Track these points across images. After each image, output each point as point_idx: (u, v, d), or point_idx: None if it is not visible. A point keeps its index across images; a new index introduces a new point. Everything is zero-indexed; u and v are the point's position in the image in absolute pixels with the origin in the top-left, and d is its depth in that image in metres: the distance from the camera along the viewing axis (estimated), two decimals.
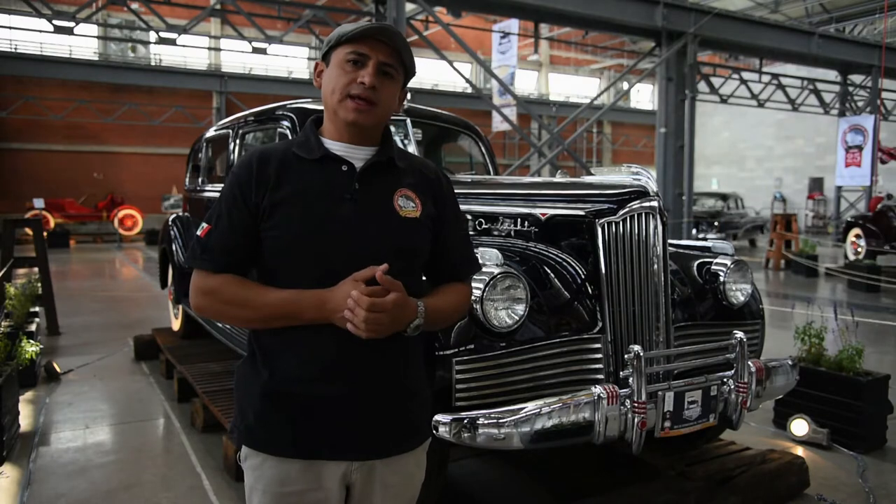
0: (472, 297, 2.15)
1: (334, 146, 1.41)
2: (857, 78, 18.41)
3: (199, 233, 1.39)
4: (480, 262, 2.25)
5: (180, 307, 5.25)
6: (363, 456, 1.40)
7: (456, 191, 1.57)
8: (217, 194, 4.01)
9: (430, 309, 1.37)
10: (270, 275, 1.38)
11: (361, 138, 1.42)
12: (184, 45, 13.87)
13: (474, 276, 2.19)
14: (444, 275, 1.52)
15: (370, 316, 1.25)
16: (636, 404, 2.19)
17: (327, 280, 1.32)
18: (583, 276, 2.49)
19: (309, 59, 24.43)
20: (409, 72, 1.44)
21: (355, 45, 1.36)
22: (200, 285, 1.37)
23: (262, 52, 13.13)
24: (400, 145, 3.89)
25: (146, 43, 20.27)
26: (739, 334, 2.48)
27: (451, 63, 12.04)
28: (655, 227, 2.48)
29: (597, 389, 2.18)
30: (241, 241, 1.36)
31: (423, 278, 1.52)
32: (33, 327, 5.09)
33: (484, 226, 3.02)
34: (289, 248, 1.35)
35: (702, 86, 15.88)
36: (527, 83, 29.61)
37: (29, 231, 9.87)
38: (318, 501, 1.39)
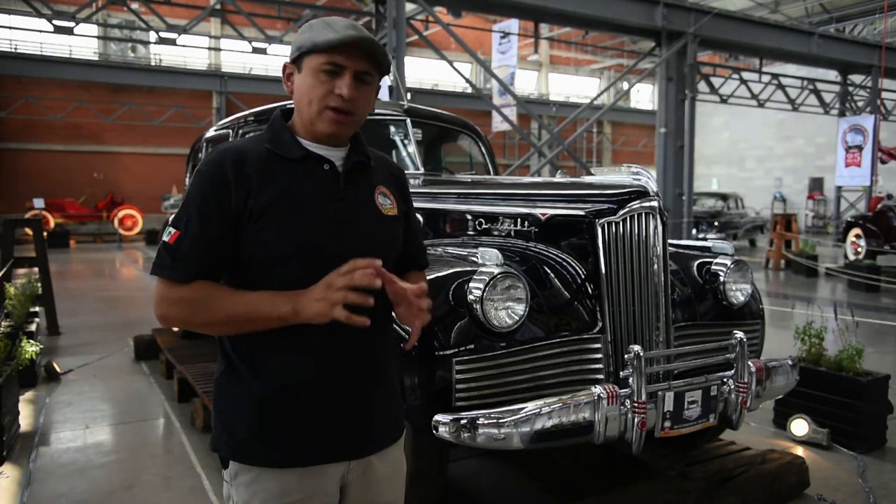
0: (472, 298, 2.19)
1: (310, 145, 1.38)
2: (857, 78, 18.40)
3: (166, 239, 1.29)
4: (480, 261, 2.26)
5: None
6: (362, 453, 1.40)
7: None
8: None
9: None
10: (255, 279, 1.31)
11: (335, 140, 1.40)
12: (184, 45, 13.86)
13: (475, 276, 2.21)
14: (407, 265, 1.55)
15: (429, 302, 1.32)
16: (636, 404, 2.19)
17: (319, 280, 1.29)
18: (583, 276, 2.49)
19: None
20: (384, 73, 1.42)
21: (330, 55, 1.31)
22: (169, 295, 1.28)
23: (262, 52, 13.12)
24: (400, 145, 3.90)
25: (146, 43, 20.26)
26: (739, 334, 2.48)
27: (451, 63, 12.04)
28: (655, 227, 2.48)
29: (597, 389, 2.18)
30: (216, 247, 1.28)
31: None
32: (33, 327, 5.09)
33: (484, 226, 3.01)
34: (283, 252, 1.30)
35: (702, 86, 15.86)
36: (527, 83, 29.61)
37: (29, 231, 9.87)
38: None
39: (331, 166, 1.37)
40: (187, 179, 5.52)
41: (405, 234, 1.50)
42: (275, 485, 1.33)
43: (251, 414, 1.33)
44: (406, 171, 2.50)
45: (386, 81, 9.31)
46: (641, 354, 2.21)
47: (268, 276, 1.31)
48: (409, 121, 3.77)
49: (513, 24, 16.26)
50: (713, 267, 2.88)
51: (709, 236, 14.83)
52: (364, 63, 1.34)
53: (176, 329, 5.52)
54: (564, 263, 2.55)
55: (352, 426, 1.38)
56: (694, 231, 14.51)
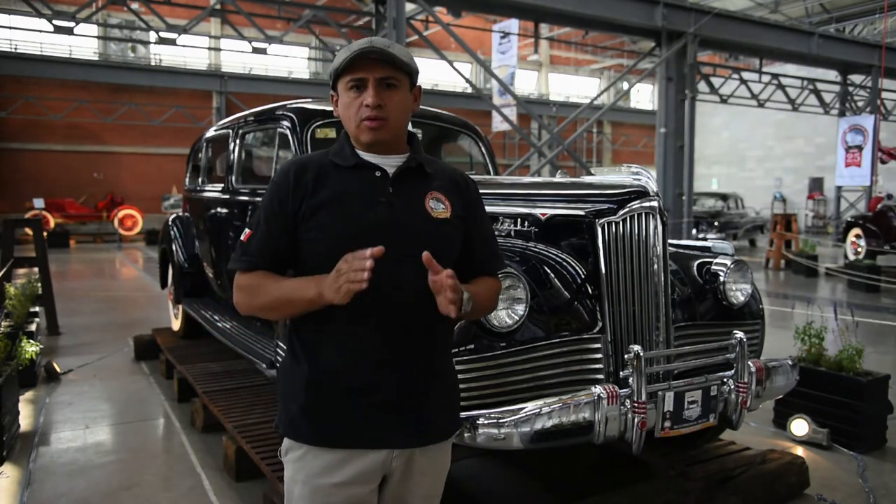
0: None
1: (366, 156, 1.49)
2: (857, 78, 18.39)
3: (242, 238, 1.49)
4: None
5: (180, 307, 5.26)
6: (404, 444, 1.44)
7: (484, 207, 1.63)
8: (217, 194, 4.04)
9: (472, 290, 1.44)
10: (308, 274, 1.44)
11: (389, 149, 1.50)
12: (184, 45, 13.86)
13: None
14: (473, 271, 1.59)
15: (454, 297, 1.33)
16: (636, 404, 2.19)
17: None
18: (583, 276, 2.49)
19: (309, 58, 24.44)
20: (412, 73, 1.50)
21: (351, 73, 1.44)
22: (236, 283, 1.47)
23: (262, 52, 13.11)
24: None
25: (146, 43, 20.26)
26: (739, 334, 2.48)
27: (451, 63, 12.03)
28: (655, 227, 2.48)
29: (597, 389, 2.18)
30: (277, 245, 1.45)
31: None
32: (33, 327, 5.09)
33: None
34: (326, 250, 1.41)
35: (702, 86, 15.85)
36: (527, 83, 29.60)
37: (29, 231, 9.88)
38: (358, 492, 1.43)
39: (382, 172, 1.47)
40: (187, 179, 5.52)
41: (468, 239, 1.55)
42: (318, 463, 1.43)
43: (302, 394, 1.45)
44: None
45: None
46: (641, 354, 2.21)
47: (316, 272, 1.42)
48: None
49: (513, 24, 16.24)
50: (713, 267, 2.88)
51: (709, 236, 14.83)
52: (383, 70, 1.43)
53: (177, 330, 5.52)
54: (564, 263, 2.55)
55: (397, 417, 1.43)
56: (694, 231, 14.50)
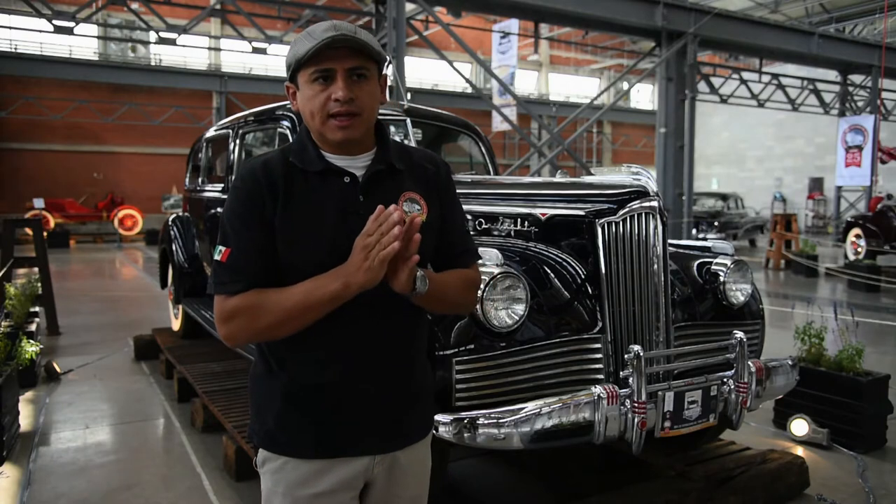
0: None
1: (332, 157, 1.37)
2: (857, 78, 18.40)
3: (218, 258, 1.31)
4: (479, 262, 2.25)
5: (180, 307, 5.26)
6: (388, 449, 1.41)
7: (456, 191, 1.55)
8: (217, 194, 3.99)
9: (429, 273, 1.32)
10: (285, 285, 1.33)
11: (357, 147, 1.38)
12: (184, 45, 13.84)
13: None
14: (447, 265, 1.48)
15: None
16: (636, 404, 2.19)
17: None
18: (583, 276, 2.49)
19: None
20: (381, 61, 1.37)
21: (316, 63, 1.29)
22: (227, 309, 1.28)
23: (262, 52, 13.10)
24: None
25: (146, 43, 20.26)
26: (739, 334, 2.48)
27: (451, 63, 12.03)
28: (655, 227, 2.48)
29: (597, 389, 2.18)
30: (266, 253, 1.30)
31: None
32: (33, 327, 5.09)
33: (484, 226, 3.02)
34: (301, 266, 1.29)
35: (702, 86, 15.84)
36: (527, 83, 29.60)
37: (29, 231, 9.87)
38: (340, 500, 1.39)
39: (351, 178, 1.35)
40: (187, 179, 5.52)
41: (443, 237, 1.44)
42: (297, 474, 1.37)
43: (279, 406, 1.37)
44: None
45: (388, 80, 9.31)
46: (641, 354, 2.21)
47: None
48: (409, 121, 3.77)
49: (513, 24, 16.25)
50: (713, 267, 2.88)
51: (709, 236, 14.83)
52: (352, 59, 1.30)
53: (177, 330, 5.52)
54: (564, 263, 2.55)
55: (378, 423, 1.39)
56: (694, 231, 14.50)
